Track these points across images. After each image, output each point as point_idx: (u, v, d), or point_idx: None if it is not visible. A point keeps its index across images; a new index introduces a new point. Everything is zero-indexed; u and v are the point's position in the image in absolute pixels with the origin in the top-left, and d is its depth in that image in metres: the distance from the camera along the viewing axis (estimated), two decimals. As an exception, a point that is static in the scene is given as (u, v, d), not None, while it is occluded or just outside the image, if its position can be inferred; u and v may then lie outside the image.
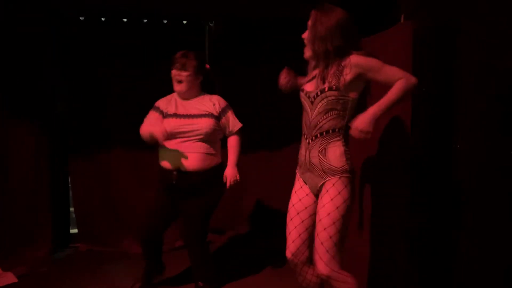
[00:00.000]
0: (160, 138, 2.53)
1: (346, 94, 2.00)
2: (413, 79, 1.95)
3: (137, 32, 3.92)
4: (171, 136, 2.63)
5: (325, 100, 2.00)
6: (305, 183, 2.19)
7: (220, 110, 2.74)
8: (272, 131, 4.25)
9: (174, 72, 2.67)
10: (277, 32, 4.10)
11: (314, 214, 2.13)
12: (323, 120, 2.04)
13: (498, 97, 2.13)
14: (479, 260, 2.29)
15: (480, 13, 2.23)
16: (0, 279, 3.12)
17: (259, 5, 3.60)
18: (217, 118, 2.72)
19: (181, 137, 2.64)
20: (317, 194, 2.13)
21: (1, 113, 3.53)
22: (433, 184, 2.57)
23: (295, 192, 2.23)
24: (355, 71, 1.95)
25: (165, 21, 3.98)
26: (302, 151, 2.17)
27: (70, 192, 4.08)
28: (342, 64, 1.97)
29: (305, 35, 2.10)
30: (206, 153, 2.68)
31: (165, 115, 2.71)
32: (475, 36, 2.25)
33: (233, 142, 2.83)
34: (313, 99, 2.05)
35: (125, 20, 3.91)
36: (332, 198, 2.01)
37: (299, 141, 2.26)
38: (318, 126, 2.05)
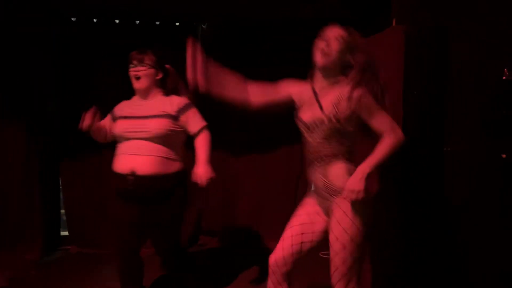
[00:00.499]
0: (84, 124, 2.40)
1: (345, 126, 1.92)
2: (401, 136, 1.89)
3: (130, 34, 3.90)
4: (120, 138, 2.46)
5: (322, 130, 1.93)
6: (318, 204, 2.09)
7: (178, 109, 2.46)
8: (269, 134, 4.23)
9: (131, 69, 2.47)
10: (276, 33, 4.11)
11: (317, 232, 2.06)
12: (323, 146, 1.96)
13: (488, 99, 2.16)
14: (468, 259, 2.31)
15: (471, 16, 2.26)
16: (-11, 282, 3.10)
17: (258, 5, 3.60)
18: (175, 118, 2.44)
19: (134, 139, 2.40)
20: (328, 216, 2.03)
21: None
22: (423, 186, 2.59)
23: (304, 205, 2.14)
24: (353, 105, 1.87)
25: (157, 23, 3.98)
26: (310, 174, 2.08)
27: (61, 194, 4.05)
28: (342, 95, 1.90)
29: (335, 44, 1.93)
30: (164, 157, 2.40)
31: (116, 118, 2.53)
32: (466, 40, 2.28)
33: (200, 141, 2.49)
34: (310, 127, 1.98)
35: (117, 21, 3.90)
36: (339, 220, 1.90)
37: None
38: (319, 152, 1.98)
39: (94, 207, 3.96)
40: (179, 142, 2.52)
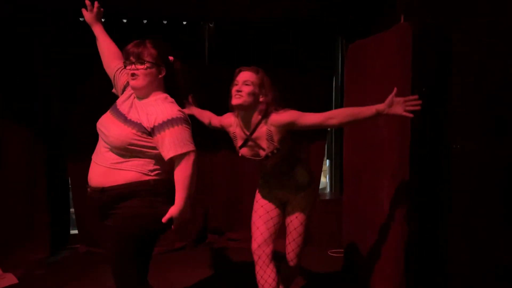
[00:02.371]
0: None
1: (284, 147, 2.26)
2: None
3: (137, 33, 3.91)
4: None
5: (271, 159, 2.27)
6: (271, 193, 2.47)
7: (154, 125, 1.92)
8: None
9: (128, 67, 2.01)
10: (283, 32, 4.10)
11: (278, 216, 2.46)
12: (279, 167, 2.33)
13: (496, 97, 2.14)
14: (474, 258, 2.29)
15: (479, 13, 2.24)
16: (0, 280, 3.13)
17: (265, 5, 3.60)
18: (147, 133, 1.94)
19: (101, 139, 2.02)
20: (283, 203, 2.46)
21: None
22: (432, 183, 2.57)
23: (263, 196, 2.49)
24: (280, 129, 2.19)
25: (165, 22, 3.99)
26: (269, 182, 2.43)
27: (71, 193, 4.08)
28: (268, 125, 2.20)
29: (245, 88, 2.18)
30: (113, 168, 1.94)
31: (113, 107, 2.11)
32: (474, 36, 2.26)
33: (176, 175, 1.93)
34: (259, 161, 2.31)
35: (125, 21, 3.91)
36: (303, 209, 2.40)
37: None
38: (278, 170, 2.35)
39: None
40: (153, 157, 1.97)
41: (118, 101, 2.09)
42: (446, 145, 2.45)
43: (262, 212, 2.45)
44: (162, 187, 1.96)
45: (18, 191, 3.65)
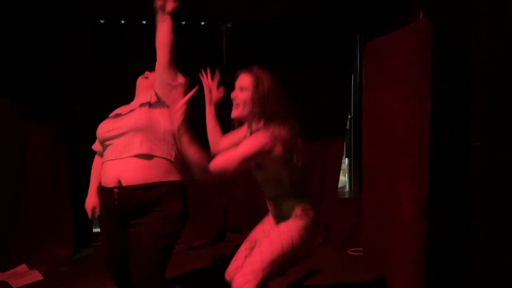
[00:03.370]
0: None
1: (273, 165, 1.91)
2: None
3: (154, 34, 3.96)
4: (102, 143, 2.12)
5: (259, 173, 1.98)
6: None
7: (157, 96, 2.08)
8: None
9: (141, 76, 2.33)
10: (300, 32, 4.10)
11: None
12: (267, 188, 2.05)
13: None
14: (495, 256, 2.26)
15: (498, 10, 2.21)
16: (26, 277, 3.22)
17: (282, 5, 3.61)
18: (159, 102, 2.06)
19: (115, 138, 2.03)
20: None
21: (18, 115, 3.61)
22: (451, 181, 2.55)
23: (264, 220, 2.23)
24: None
25: (183, 23, 4.03)
26: (268, 205, 2.16)
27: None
28: None
29: (240, 95, 1.96)
30: (151, 155, 1.97)
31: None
32: (494, 33, 2.22)
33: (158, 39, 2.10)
34: (252, 170, 2.01)
35: (144, 22, 3.97)
36: (281, 234, 1.94)
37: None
38: (267, 194, 2.08)
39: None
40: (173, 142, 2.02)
41: (111, 113, 2.20)
42: (465, 143, 2.42)
43: (252, 236, 2.19)
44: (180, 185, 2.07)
45: (43, 190, 3.74)
